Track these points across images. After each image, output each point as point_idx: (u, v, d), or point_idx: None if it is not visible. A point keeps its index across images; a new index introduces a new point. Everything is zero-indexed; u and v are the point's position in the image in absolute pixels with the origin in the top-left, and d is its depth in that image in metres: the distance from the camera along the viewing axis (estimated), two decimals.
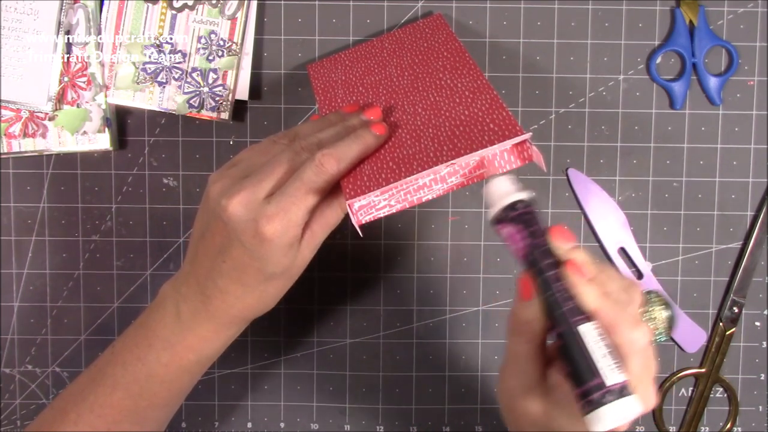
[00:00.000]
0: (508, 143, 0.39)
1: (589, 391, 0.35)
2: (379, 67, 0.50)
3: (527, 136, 0.39)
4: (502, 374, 0.40)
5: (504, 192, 0.38)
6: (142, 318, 0.46)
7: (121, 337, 0.46)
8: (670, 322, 0.38)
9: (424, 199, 0.41)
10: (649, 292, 0.38)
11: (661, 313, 0.38)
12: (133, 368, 0.45)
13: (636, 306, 0.37)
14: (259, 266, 0.41)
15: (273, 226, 0.39)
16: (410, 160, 0.40)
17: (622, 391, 0.34)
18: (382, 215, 0.41)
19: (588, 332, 0.35)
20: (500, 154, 0.40)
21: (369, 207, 0.41)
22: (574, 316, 0.36)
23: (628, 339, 0.36)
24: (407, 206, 0.41)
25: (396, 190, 0.40)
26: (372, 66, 0.51)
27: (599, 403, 0.34)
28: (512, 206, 0.38)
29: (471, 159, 0.40)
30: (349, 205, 0.40)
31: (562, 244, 0.37)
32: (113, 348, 0.46)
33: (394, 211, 0.41)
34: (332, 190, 0.42)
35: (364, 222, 0.41)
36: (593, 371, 0.35)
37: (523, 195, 0.38)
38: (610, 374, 0.35)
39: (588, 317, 0.36)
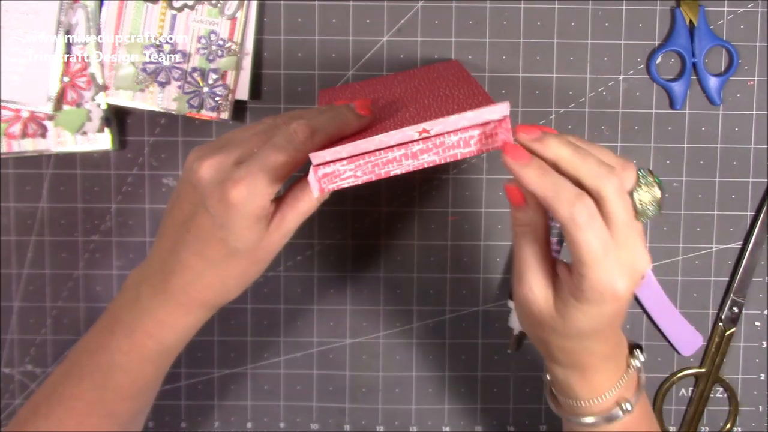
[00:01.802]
0: (481, 113, 0.38)
1: None
2: (385, 89, 0.50)
3: (503, 107, 0.38)
4: (515, 281, 0.42)
5: None
6: (110, 305, 0.46)
7: (91, 328, 0.46)
8: (660, 200, 0.39)
9: (392, 173, 0.40)
10: (641, 169, 0.39)
11: (653, 191, 0.39)
12: (97, 357, 0.44)
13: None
14: (222, 236, 0.40)
15: (238, 190, 0.38)
16: (384, 131, 0.40)
17: None
18: (346, 185, 0.39)
19: None
20: (478, 136, 0.39)
21: (333, 175, 0.39)
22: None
23: (567, 216, 0.36)
24: (374, 179, 0.39)
25: (363, 160, 0.39)
26: (378, 88, 0.51)
27: None
28: None
29: (443, 128, 0.39)
30: (313, 168, 0.39)
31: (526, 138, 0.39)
32: (84, 338, 0.46)
33: (359, 182, 0.39)
34: (304, 178, 0.42)
35: (327, 190, 0.40)
36: None
37: None
38: None
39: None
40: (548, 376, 0.46)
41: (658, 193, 0.40)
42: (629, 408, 0.43)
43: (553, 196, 0.37)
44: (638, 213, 0.40)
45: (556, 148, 0.38)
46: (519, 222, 0.40)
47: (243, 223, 0.39)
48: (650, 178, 0.40)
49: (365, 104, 0.44)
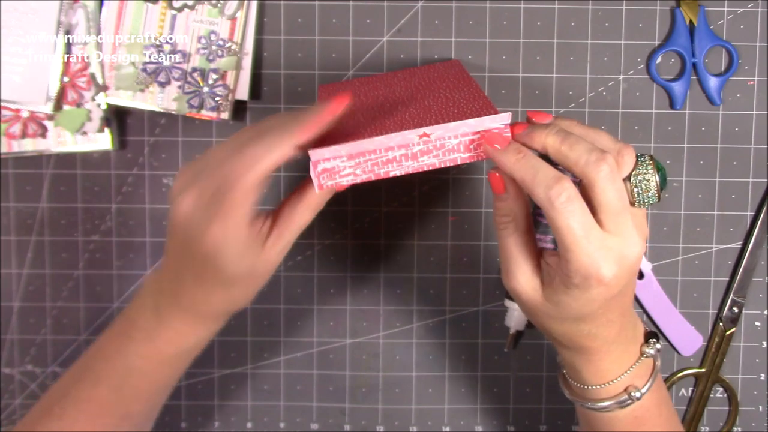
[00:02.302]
0: (483, 121, 0.38)
1: None
2: (385, 87, 0.50)
3: (504, 116, 0.38)
4: (502, 273, 0.42)
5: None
6: (126, 309, 0.46)
7: (106, 330, 0.46)
8: (659, 186, 0.39)
9: (391, 174, 0.40)
10: (642, 155, 0.39)
11: (652, 177, 0.39)
12: (115, 361, 0.44)
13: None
14: (215, 270, 0.40)
15: (213, 231, 0.38)
16: (384, 132, 0.40)
17: None
18: (345, 183, 0.40)
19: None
20: (479, 141, 0.39)
21: (333, 172, 0.39)
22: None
23: (544, 198, 0.37)
24: (372, 178, 0.40)
25: (363, 158, 0.39)
26: (379, 85, 0.51)
27: None
28: None
29: (443, 132, 0.39)
30: (313, 164, 0.39)
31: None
32: (98, 342, 0.46)
33: (358, 181, 0.40)
34: (299, 190, 0.41)
35: (325, 187, 0.40)
36: None
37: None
38: None
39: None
40: (559, 358, 0.46)
41: (656, 179, 0.39)
42: (638, 396, 0.43)
43: (531, 179, 0.37)
44: (635, 199, 0.40)
45: (543, 139, 0.38)
46: (500, 212, 0.41)
47: (231, 256, 0.39)
48: (650, 165, 0.39)
49: (344, 101, 0.41)
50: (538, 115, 0.41)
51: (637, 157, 0.40)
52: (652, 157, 0.40)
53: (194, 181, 0.39)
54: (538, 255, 0.41)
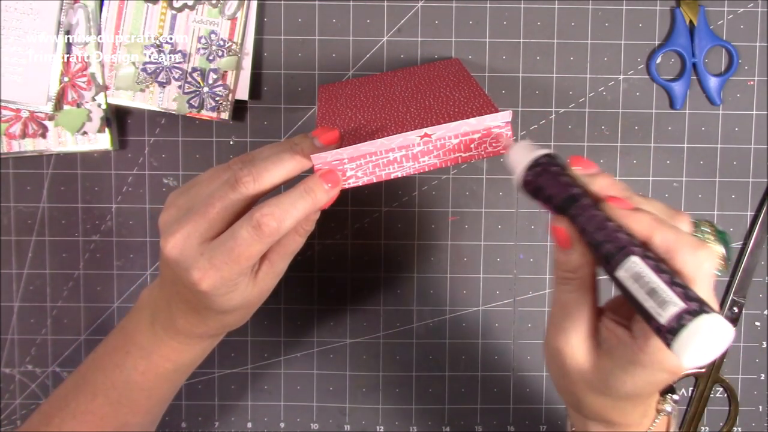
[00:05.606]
0: (484, 120, 0.38)
1: (665, 319, 0.30)
2: (385, 86, 0.50)
3: (505, 114, 0.38)
4: (551, 327, 0.37)
5: (524, 154, 0.36)
6: (123, 322, 0.46)
7: (103, 342, 0.46)
8: (725, 257, 0.34)
9: (392, 176, 0.40)
10: (698, 222, 0.35)
11: (714, 246, 0.34)
12: (112, 375, 0.44)
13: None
14: (208, 305, 0.40)
15: (206, 281, 0.37)
16: (385, 133, 0.40)
17: (701, 308, 0.30)
18: (346, 186, 0.40)
19: (647, 261, 0.31)
20: (479, 140, 0.39)
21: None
22: (629, 247, 0.32)
23: (693, 261, 0.32)
24: (374, 180, 0.40)
25: (365, 160, 0.39)
26: (379, 84, 0.51)
27: (681, 326, 0.29)
28: (535, 164, 0.36)
29: (444, 132, 0.39)
30: (315, 169, 0.39)
31: (589, 174, 0.35)
32: (95, 353, 0.46)
33: (360, 183, 0.40)
34: None
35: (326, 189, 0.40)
36: (665, 299, 0.30)
37: (544, 151, 0.36)
38: (684, 297, 0.30)
39: (642, 247, 0.32)
40: (570, 424, 0.43)
41: (721, 248, 0.35)
42: None
43: (673, 241, 0.32)
44: None
45: (637, 225, 0.34)
46: (564, 267, 0.36)
47: (222, 299, 0.39)
48: (708, 232, 0.35)
49: (330, 136, 0.40)
50: (581, 161, 0.36)
51: (694, 224, 0.34)
52: (710, 224, 0.35)
53: (183, 219, 0.38)
54: (596, 318, 0.37)
